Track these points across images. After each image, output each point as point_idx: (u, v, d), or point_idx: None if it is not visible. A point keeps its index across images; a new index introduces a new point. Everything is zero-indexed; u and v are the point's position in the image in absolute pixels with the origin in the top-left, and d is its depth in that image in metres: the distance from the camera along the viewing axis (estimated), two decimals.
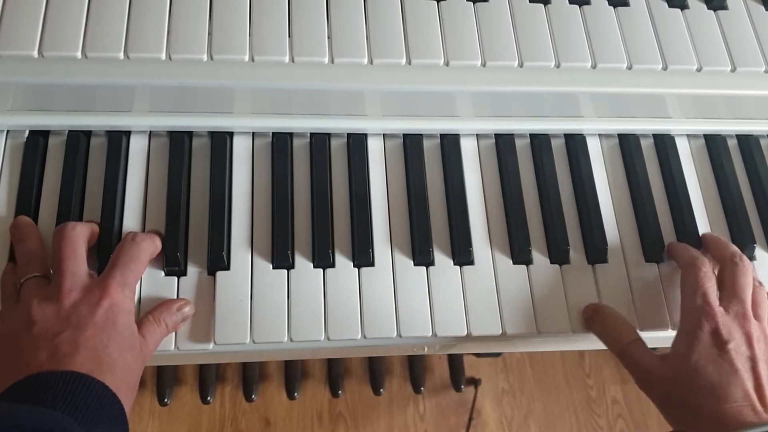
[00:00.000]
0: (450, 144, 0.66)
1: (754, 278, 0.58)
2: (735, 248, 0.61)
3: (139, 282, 0.56)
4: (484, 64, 0.61)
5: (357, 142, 0.64)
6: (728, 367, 0.51)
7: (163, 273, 0.58)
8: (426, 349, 0.60)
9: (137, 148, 0.62)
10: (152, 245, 0.56)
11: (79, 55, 0.56)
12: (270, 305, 0.57)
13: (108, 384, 0.46)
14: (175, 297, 0.57)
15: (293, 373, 1.30)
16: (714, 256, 0.61)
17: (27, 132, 0.61)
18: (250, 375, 1.30)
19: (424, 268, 0.61)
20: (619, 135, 0.69)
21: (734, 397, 0.50)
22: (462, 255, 0.61)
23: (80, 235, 0.54)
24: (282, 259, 0.59)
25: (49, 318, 0.48)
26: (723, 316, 0.54)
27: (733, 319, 0.54)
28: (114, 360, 0.48)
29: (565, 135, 0.68)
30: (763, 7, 0.68)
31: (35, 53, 0.55)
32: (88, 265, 0.54)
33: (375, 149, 0.65)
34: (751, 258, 0.65)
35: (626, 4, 0.66)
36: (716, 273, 0.58)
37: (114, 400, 0.46)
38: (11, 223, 0.57)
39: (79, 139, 0.61)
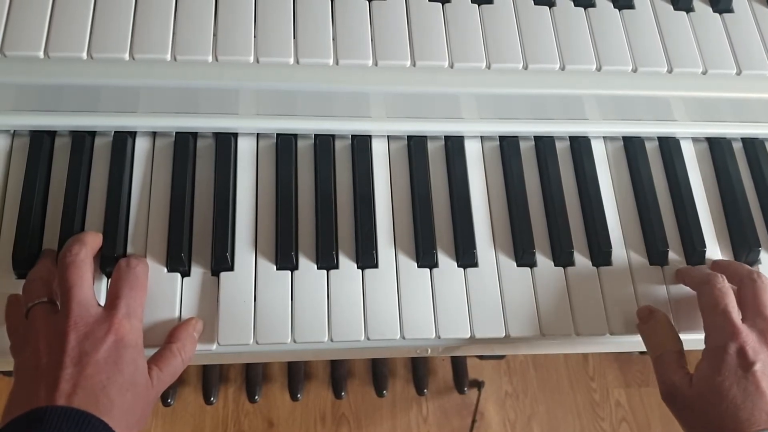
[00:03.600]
0: (454, 146, 0.66)
1: None
2: (749, 267, 0.60)
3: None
4: (488, 67, 0.61)
5: (361, 144, 0.65)
6: (753, 389, 0.51)
7: (165, 270, 0.58)
8: (429, 351, 0.60)
9: (142, 148, 0.62)
10: (146, 268, 0.56)
11: (84, 55, 0.56)
12: (273, 306, 0.57)
13: None
14: (178, 297, 0.57)
15: (296, 374, 1.30)
16: (729, 276, 0.59)
17: (32, 132, 0.61)
18: (253, 376, 1.30)
19: (428, 270, 0.61)
20: (623, 138, 0.69)
21: (758, 421, 0.49)
22: (466, 257, 0.61)
23: (86, 259, 0.54)
24: (286, 261, 0.59)
25: (54, 353, 0.49)
26: (748, 334, 0.53)
27: (758, 337, 0.53)
28: (112, 401, 0.48)
29: (570, 137, 0.68)
30: None
31: (41, 54, 0.56)
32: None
33: (379, 151, 0.65)
34: (756, 262, 0.65)
35: (631, 7, 0.66)
36: (734, 291, 0.57)
37: None
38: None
39: (84, 140, 0.61)
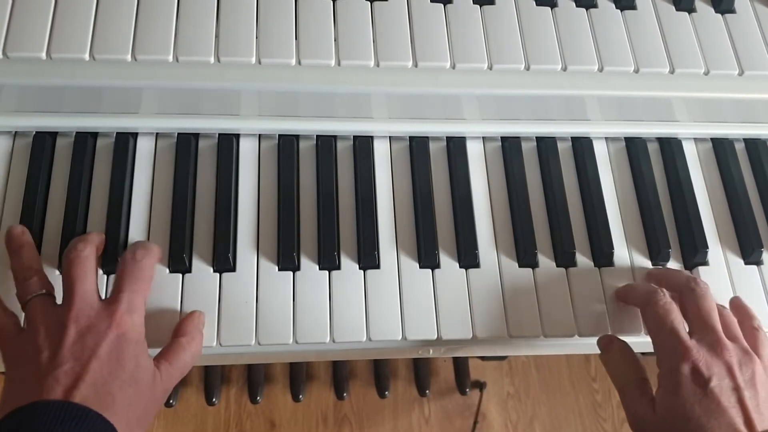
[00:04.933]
0: (456, 147, 0.66)
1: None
2: (686, 273, 0.59)
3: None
4: (490, 67, 0.61)
5: (363, 145, 0.65)
6: (714, 406, 0.50)
7: (167, 271, 0.58)
8: (431, 351, 0.60)
9: (144, 149, 0.62)
10: (153, 259, 0.56)
11: (87, 57, 0.56)
12: (275, 307, 0.57)
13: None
14: (180, 298, 0.57)
15: (298, 375, 1.30)
16: (668, 286, 0.58)
17: (34, 133, 0.62)
18: (255, 377, 1.30)
19: (430, 270, 0.61)
20: (625, 138, 0.69)
21: None
22: (468, 258, 0.61)
23: (90, 255, 0.53)
24: (288, 261, 0.59)
25: (54, 347, 0.48)
26: (698, 350, 0.52)
27: (708, 351, 0.52)
28: (113, 396, 0.47)
29: (572, 138, 0.68)
30: None
31: (43, 55, 0.56)
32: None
33: (381, 152, 0.65)
34: (758, 262, 0.65)
35: (633, 8, 0.66)
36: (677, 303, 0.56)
37: (112, 431, 0.46)
38: (5, 233, 0.56)
39: (86, 141, 0.61)
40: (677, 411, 0.51)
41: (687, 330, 0.54)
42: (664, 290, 0.56)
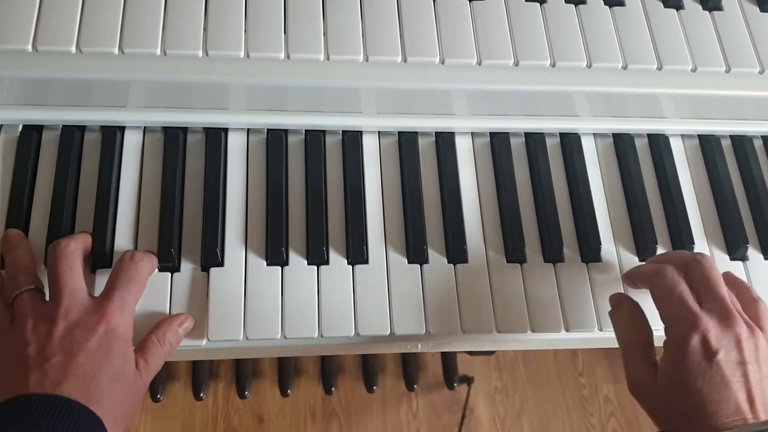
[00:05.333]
0: (445, 142, 0.66)
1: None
2: (690, 252, 0.59)
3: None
4: (479, 63, 0.61)
5: (352, 140, 0.64)
6: (718, 379, 0.49)
7: (156, 269, 0.58)
8: (420, 346, 0.60)
9: (131, 143, 0.62)
10: (150, 264, 0.56)
11: (73, 49, 0.56)
12: (264, 302, 0.57)
13: None
14: (169, 293, 0.57)
15: (286, 370, 1.30)
16: (675, 265, 0.56)
17: (20, 126, 0.61)
18: (243, 371, 1.29)
19: (418, 266, 0.61)
20: (613, 134, 0.69)
21: (726, 413, 0.48)
22: (456, 253, 0.61)
23: (75, 251, 0.53)
24: (276, 256, 0.59)
25: (43, 340, 0.48)
26: (708, 320, 0.51)
27: (718, 322, 0.51)
28: (101, 390, 0.47)
29: (560, 134, 0.68)
30: (757, 8, 0.68)
31: (29, 47, 0.55)
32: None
33: (370, 147, 0.65)
34: (744, 258, 0.66)
35: (622, 4, 0.66)
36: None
37: (99, 425, 0.46)
38: (2, 235, 0.56)
39: (73, 134, 0.61)
40: (679, 381, 0.50)
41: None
42: (672, 266, 0.55)
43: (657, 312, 0.54)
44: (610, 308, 0.59)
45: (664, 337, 0.53)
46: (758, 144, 0.71)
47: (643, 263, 0.62)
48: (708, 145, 0.70)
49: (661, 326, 0.54)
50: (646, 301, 0.56)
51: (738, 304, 0.54)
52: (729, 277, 0.58)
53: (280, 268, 0.59)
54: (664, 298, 0.54)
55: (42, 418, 0.44)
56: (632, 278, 0.60)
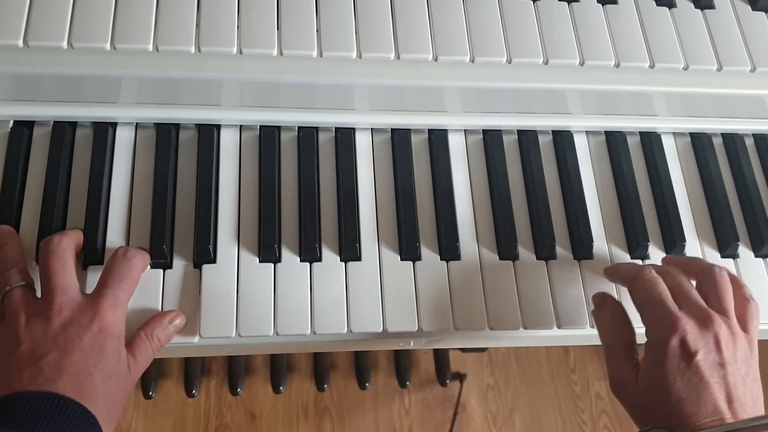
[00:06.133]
0: (438, 139, 0.66)
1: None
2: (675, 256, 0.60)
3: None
4: (472, 60, 0.61)
5: (345, 137, 0.64)
6: (697, 380, 0.50)
7: (148, 266, 0.57)
8: (412, 343, 0.61)
9: (123, 139, 0.62)
10: (143, 261, 0.56)
11: (65, 45, 0.55)
12: (256, 299, 0.57)
13: None
14: (161, 290, 0.57)
15: (279, 367, 1.30)
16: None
17: (11, 122, 0.61)
18: (235, 368, 1.29)
19: (411, 263, 0.61)
20: (606, 132, 0.69)
21: (704, 413, 0.49)
22: (449, 250, 0.61)
23: (67, 248, 0.53)
24: (269, 253, 0.59)
25: (37, 338, 0.48)
26: (687, 321, 0.51)
27: (697, 323, 0.51)
28: (96, 387, 0.47)
29: (553, 132, 0.68)
30: (749, 7, 0.68)
31: (20, 43, 0.55)
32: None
33: (363, 144, 0.65)
34: (734, 256, 0.66)
35: (614, 2, 0.66)
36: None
37: (93, 423, 0.46)
38: None
39: (64, 131, 0.60)
40: (659, 382, 0.50)
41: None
42: (649, 268, 0.56)
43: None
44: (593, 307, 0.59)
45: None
46: (749, 142, 0.72)
47: (624, 262, 0.62)
48: (699, 143, 0.70)
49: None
50: (629, 300, 0.56)
51: (731, 303, 0.54)
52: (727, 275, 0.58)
53: (272, 265, 0.59)
54: (644, 298, 0.54)
55: (38, 415, 0.44)
56: (612, 275, 0.61)
